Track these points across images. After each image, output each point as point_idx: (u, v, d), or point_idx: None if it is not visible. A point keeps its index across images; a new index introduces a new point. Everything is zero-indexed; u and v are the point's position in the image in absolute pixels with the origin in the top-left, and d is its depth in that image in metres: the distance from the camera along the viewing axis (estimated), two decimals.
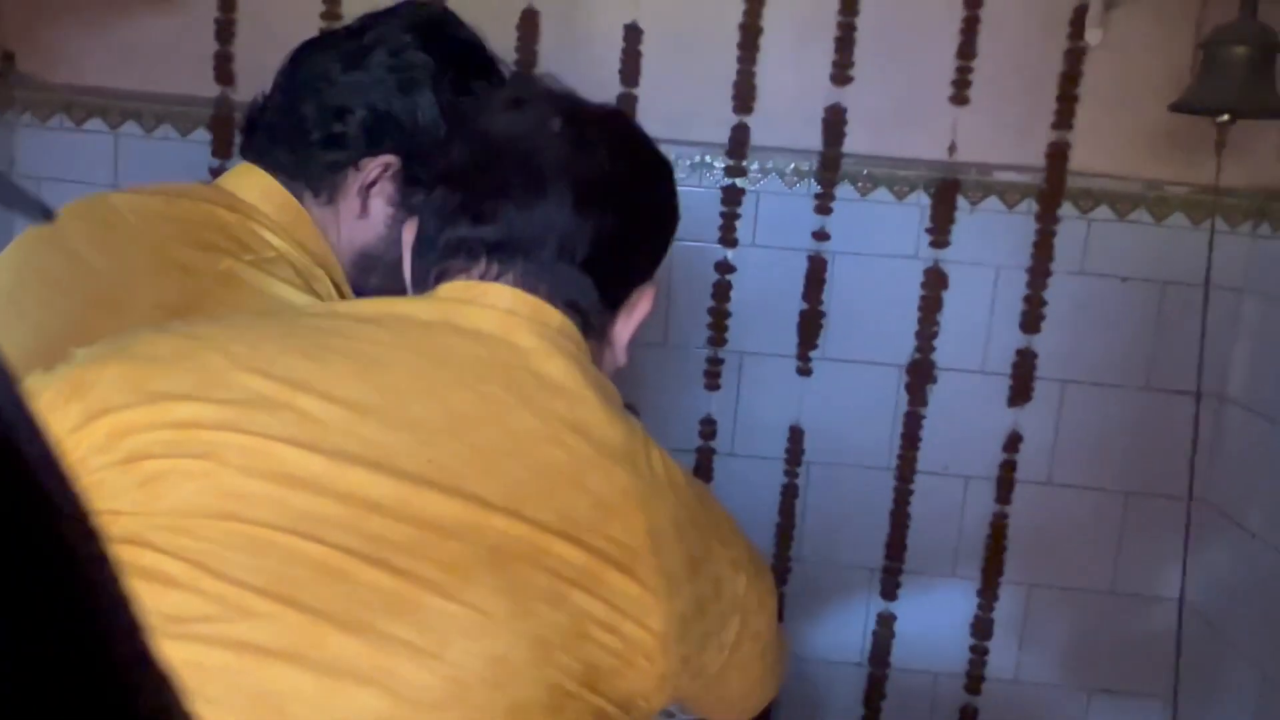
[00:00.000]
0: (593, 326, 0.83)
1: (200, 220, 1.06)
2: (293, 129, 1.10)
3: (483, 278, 0.80)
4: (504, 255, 0.80)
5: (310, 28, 1.58)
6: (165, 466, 0.68)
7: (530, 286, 0.79)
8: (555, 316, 0.79)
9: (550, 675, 0.67)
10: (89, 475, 0.69)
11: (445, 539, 0.68)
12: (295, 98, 1.11)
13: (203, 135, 1.70)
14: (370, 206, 1.11)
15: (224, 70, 1.69)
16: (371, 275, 1.15)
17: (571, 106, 0.86)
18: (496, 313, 0.78)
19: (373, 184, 1.10)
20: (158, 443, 0.69)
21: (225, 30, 1.68)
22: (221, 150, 1.70)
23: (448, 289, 0.80)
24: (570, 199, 0.80)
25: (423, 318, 0.77)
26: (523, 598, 0.68)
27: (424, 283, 0.83)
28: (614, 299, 0.84)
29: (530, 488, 0.70)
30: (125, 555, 0.66)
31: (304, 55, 1.13)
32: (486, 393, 0.73)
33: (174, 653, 0.64)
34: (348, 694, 0.64)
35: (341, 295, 1.11)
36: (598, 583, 0.69)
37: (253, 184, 1.11)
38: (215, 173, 1.65)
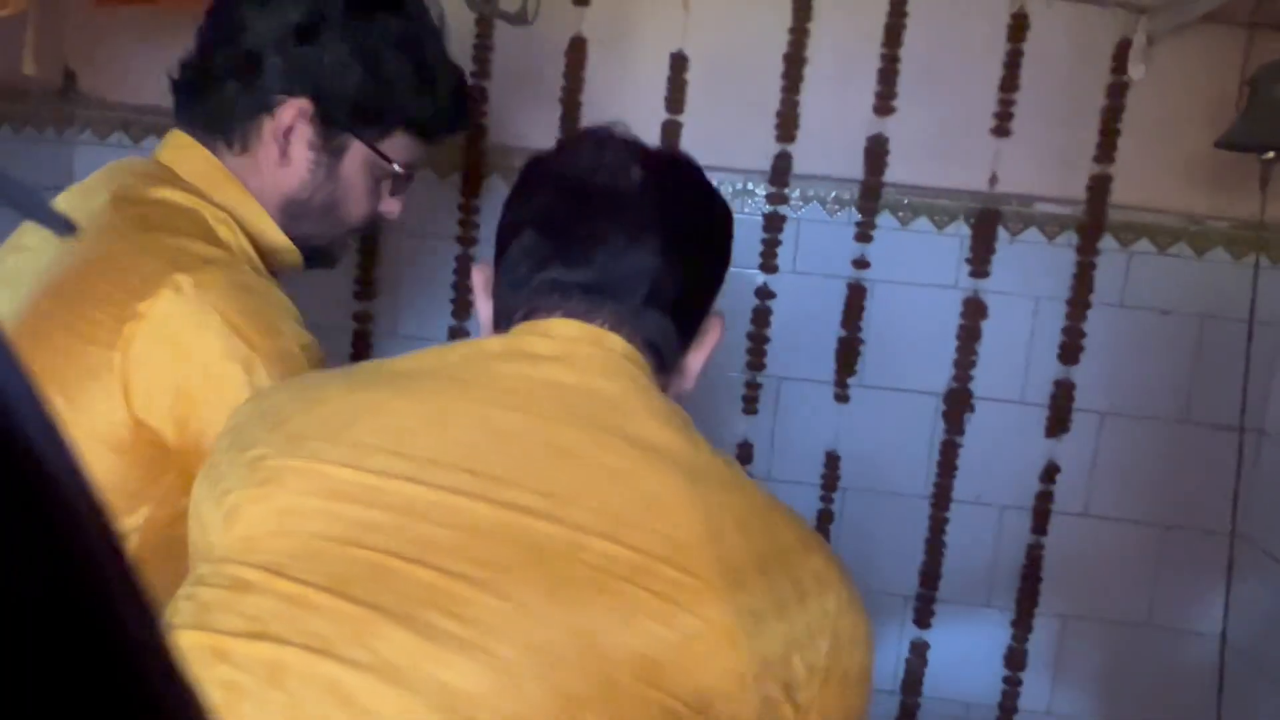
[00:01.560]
0: (668, 364, 0.87)
1: (107, 186, 1.09)
2: (206, 81, 1.11)
3: (566, 315, 0.83)
4: (595, 297, 0.83)
5: None
6: (239, 498, 0.75)
7: (614, 327, 0.83)
8: (619, 343, 0.82)
9: (599, 666, 0.68)
10: (201, 518, 0.79)
11: (485, 539, 0.71)
12: (209, 50, 1.12)
13: None
14: (291, 152, 1.11)
15: None
16: (303, 221, 1.14)
17: (648, 152, 0.90)
18: (557, 340, 0.81)
19: (289, 129, 1.10)
20: (235, 479, 0.77)
21: None
22: None
23: (525, 326, 0.84)
24: (661, 245, 0.84)
25: (491, 349, 0.82)
26: (563, 590, 0.69)
27: (508, 321, 0.86)
28: (690, 334, 0.89)
29: (571, 491, 0.72)
30: (220, 571, 0.73)
31: (217, 6, 1.14)
32: (535, 410, 0.76)
33: (258, 654, 0.68)
34: (406, 683, 0.66)
35: (253, 241, 1.10)
36: (646, 575, 0.70)
37: (169, 146, 1.13)
38: None
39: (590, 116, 1.70)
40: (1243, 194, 1.60)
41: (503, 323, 0.87)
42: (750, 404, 1.76)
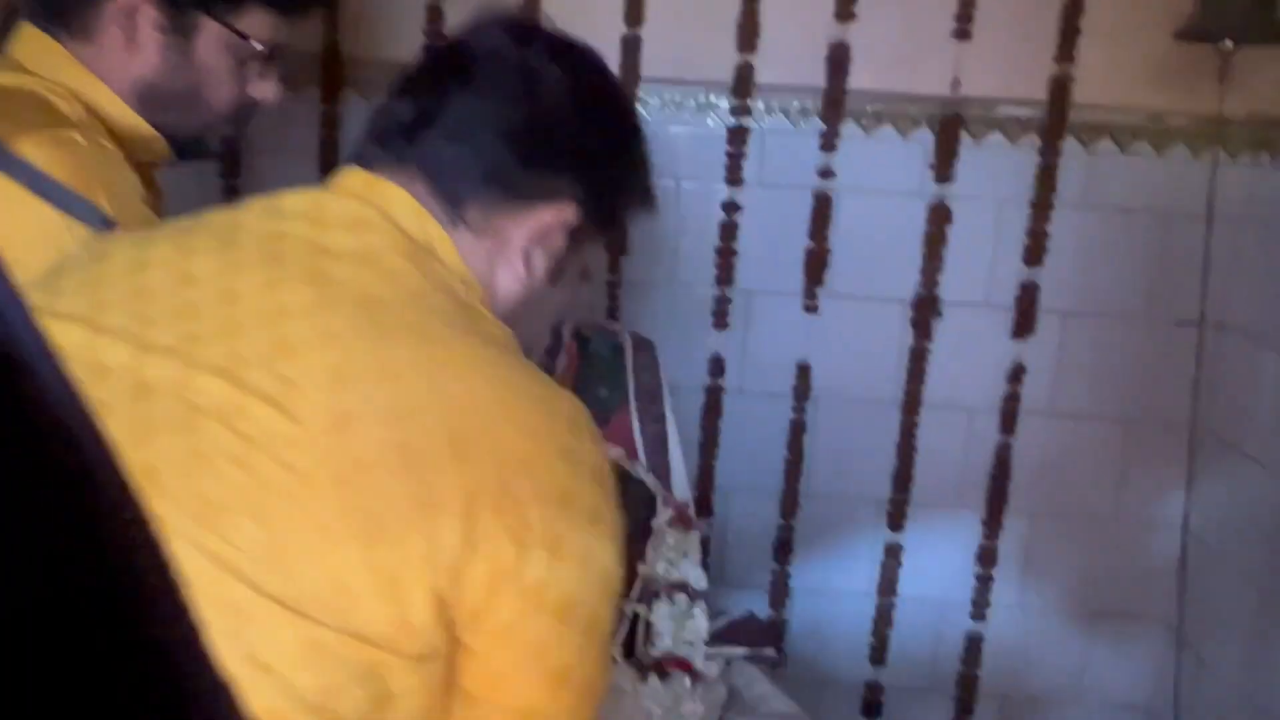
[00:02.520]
0: (464, 217, 0.81)
1: None
2: None
3: (361, 163, 0.82)
4: (400, 141, 0.81)
5: None
6: None
7: (395, 173, 0.81)
8: (395, 194, 0.79)
9: (159, 507, 0.62)
10: None
11: (103, 380, 0.70)
12: None
13: None
14: (138, 36, 1.08)
15: None
16: (166, 110, 1.11)
17: (554, 35, 0.88)
18: (325, 194, 0.80)
19: (132, 10, 1.07)
20: None
21: None
22: None
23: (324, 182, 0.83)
24: (503, 93, 0.82)
25: (253, 207, 0.81)
26: (142, 429, 0.68)
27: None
28: (513, 194, 0.83)
29: (216, 332, 0.71)
30: None
31: None
32: (227, 256, 0.75)
33: None
34: None
35: (111, 126, 1.08)
36: (239, 416, 0.67)
37: (16, 38, 1.10)
38: None
39: None
40: (1202, 89, 1.61)
41: None
42: (720, 319, 1.77)
